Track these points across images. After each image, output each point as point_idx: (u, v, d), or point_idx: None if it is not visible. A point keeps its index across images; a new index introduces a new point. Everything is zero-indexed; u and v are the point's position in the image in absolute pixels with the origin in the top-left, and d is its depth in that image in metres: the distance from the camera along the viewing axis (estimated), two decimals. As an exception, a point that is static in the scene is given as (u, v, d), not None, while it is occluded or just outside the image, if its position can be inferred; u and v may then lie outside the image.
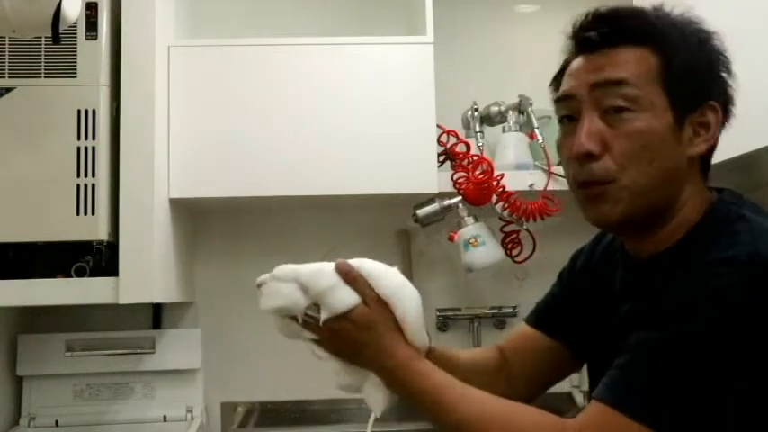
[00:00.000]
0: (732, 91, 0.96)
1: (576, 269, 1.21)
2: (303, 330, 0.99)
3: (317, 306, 0.94)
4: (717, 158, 1.59)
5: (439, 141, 2.03)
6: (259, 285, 1.04)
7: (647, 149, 0.89)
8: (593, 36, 0.96)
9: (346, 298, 0.93)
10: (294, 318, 1.00)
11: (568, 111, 1.00)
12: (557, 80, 1.11)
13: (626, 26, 0.93)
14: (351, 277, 0.97)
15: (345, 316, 0.95)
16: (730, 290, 0.76)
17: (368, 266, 0.99)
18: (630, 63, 0.91)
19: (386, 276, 0.99)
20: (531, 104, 2.13)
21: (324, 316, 0.92)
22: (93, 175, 1.70)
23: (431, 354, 1.05)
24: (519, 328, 1.26)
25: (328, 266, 0.97)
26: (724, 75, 0.95)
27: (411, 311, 0.94)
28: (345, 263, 0.98)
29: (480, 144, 2.09)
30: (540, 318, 1.22)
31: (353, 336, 0.95)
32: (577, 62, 1.03)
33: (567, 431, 0.86)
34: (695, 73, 0.92)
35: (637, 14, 0.96)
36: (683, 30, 0.96)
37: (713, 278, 0.78)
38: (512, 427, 0.87)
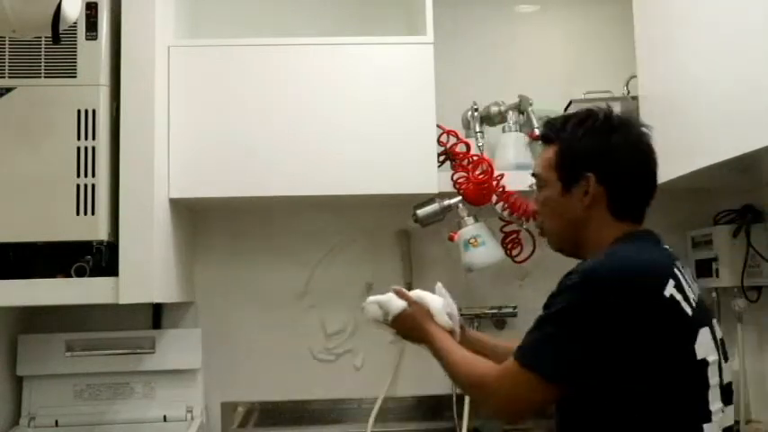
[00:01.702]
0: (613, 159, 1.28)
1: None
2: (385, 327, 1.54)
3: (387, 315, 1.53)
4: (717, 158, 1.61)
5: (439, 141, 2.03)
6: (363, 308, 1.56)
7: (549, 209, 1.37)
8: (540, 138, 1.42)
9: (398, 305, 1.51)
10: (379, 322, 1.55)
11: None
12: None
13: (548, 132, 1.37)
14: (401, 293, 1.53)
15: (398, 316, 1.50)
16: (573, 287, 1.18)
17: (414, 292, 1.55)
18: (543, 159, 1.36)
19: (418, 292, 1.55)
20: (531, 104, 2.13)
21: (389, 317, 1.52)
22: (93, 175, 1.70)
23: (463, 334, 1.53)
24: None
25: (391, 293, 1.54)
26: (603, 153, 1.29)
27: (434, 306, 1.49)
28: (399, 288, 1.55)
29: (480, 144, 2.09)
30: None
31: (405, 325, 1.51)
32: None
33: (492, 374, 1.25)
34: (575, 157, 1.30)
35: (557, 121, 1.36)
36: (577, 126, 1.31)
37: (569, 280, 1.20)
38: (470, 367, 1.31)
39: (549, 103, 2.19)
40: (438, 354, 1.40)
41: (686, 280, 1.21)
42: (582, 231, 1.31)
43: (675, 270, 1.20)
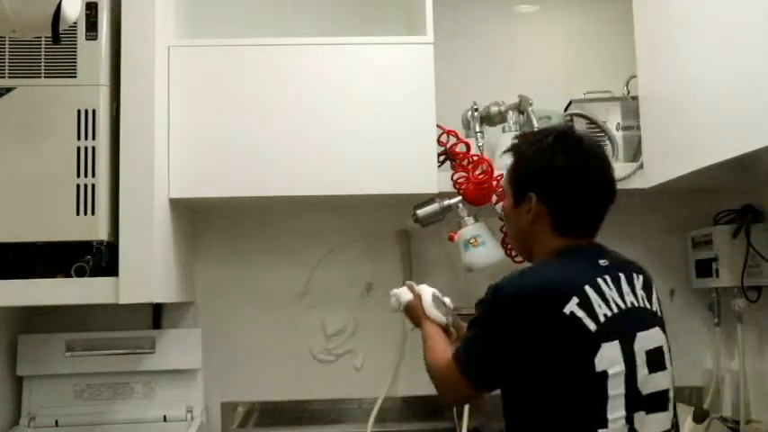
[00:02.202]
0: (555, 181, 1.37)
1: None
2: (400, 313, 1.71)
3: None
4: (717, 158, 1.61)
5: (439, 141, 2.03)
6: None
7: (506, 218, 1.53)
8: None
9: (406, 297, 1.67)
10: (398, 311, 1.70)
11: None
12: None
13: (512, 146, 1.48)
14: (411, 287, 1.68)
15: (405, 306, 1.67)
16: (485, 302, 1.33)
17: (419, 286, 1.69)
18: (506, 171, 1.49)
19: (423, 287, 1.67)
20: (531, 104, 2.13)
21: (401, 307, 1.69)
22: (93, 175, 1.70)
23: (460, 330, 1.60)
24: None
25: (404, 287, 1.70)
26: (546, 174, 1.38)
27: (425, 300, 1.63)
28: (411, 283, 1.70)
29: (480, 144, 2.09)
30: None
31: (411, 313, 1.65)
32: None
33: (442, 365, 1.38)
34: (522, 175, 1.42)
35: (523, 137, 1.53)
36: (529, 146, 1.42)
37: (486, 293, 1.34)
38: (434, 355, 1.44)
39: (549, 103, 2.19)
40: (423, 339, 1.56)
41: (604, 295, 1.28)
42: (530, 243, 1.43)
43: (587, 287, 1.27)
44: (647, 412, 1.26)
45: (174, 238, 1.95)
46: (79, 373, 2.08)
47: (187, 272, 2.16)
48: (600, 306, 1.26)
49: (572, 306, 1.24)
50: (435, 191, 1.96)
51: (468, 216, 1.99)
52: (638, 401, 1.25)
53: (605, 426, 1.22)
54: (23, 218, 1.68)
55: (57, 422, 2.05)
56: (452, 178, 2.01)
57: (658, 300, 1.40)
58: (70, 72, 1.72)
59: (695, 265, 2.21)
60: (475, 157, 2.02)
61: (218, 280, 2.25)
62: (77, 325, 2.13)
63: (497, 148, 2.14)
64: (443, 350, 1.43)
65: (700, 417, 1.88)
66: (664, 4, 1.88)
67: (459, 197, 1.99)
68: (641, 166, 2.03)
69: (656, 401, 1.28)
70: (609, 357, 1.23)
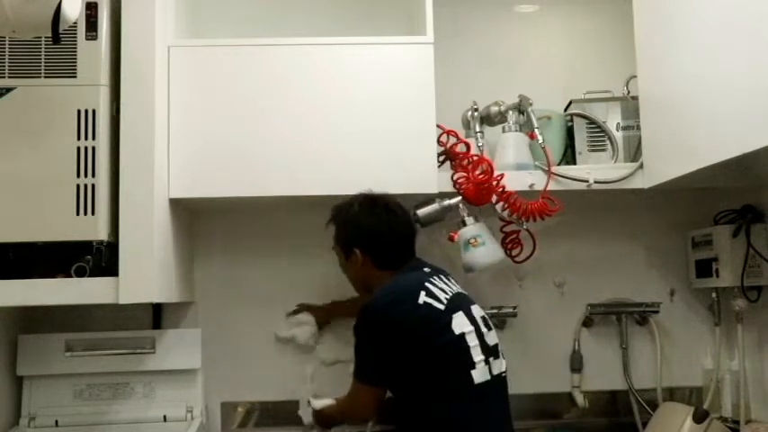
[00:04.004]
0: (365, 237, 1.84)
1: None
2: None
3: None
4: (717, 158, 1.61)
5: (439, 141, 2.03)
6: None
7: (344, 270, 1.93)
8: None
9: (317, 404, 1.94)
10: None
11: None
12: None
13: (331, 217, 1.91)
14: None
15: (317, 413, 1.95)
16: (359, 321, 1.73)
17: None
18: (333, 236, 1.92)
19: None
20: (531, 104, 2.13)
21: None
22: (93, 175, 1.70)
23: None
24: None
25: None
26: (360, 233, 1.84)
27: (314, 404, 1.90)
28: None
29: (480, 144, 2.09)
30: None
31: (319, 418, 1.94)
32: None
33: (345, 401, 1.79)
34: (343, 237, 1.89)
35: (336, 208, 1.90)
36: (343, 215, 1.87)
37: (358, 316, 1.73)
38: (338, 410, 1.83)
39: (549, 103, 2.19)
40: (331, 417, 1.86)
41: (439, 287, 1.74)
42: (367, 282, 1.86)
43: (427, 284, 1.73)
44: (495, 358, 1.74)
45: (173, 238, 1.95)
46: (79, 373, 2.08)
47: (187, 272, 2.16)
48: (440, 293, 1.72)
49: (423, 297, 1.70)
50: (435, 191, 1.96)
51: (468, 216, 1.99)
52: (488, 351, 1.72)
53: (474, 367, 1.67)
54: (23, 218, 1.68)
55: (57, 422, 2.05)
56: (452, 178, 2.01)
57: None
58: (70, 72, 1.72)
59: (695, 265, 2.21)
60: (475, 157, 2.02)
61: (218, 280, 2.25)
62: (77, 325, 2.13)
63: (497, 148, 2.15)
64: (340, 400, 1.82)
65: (700, 417, 1.88)
66: (664, 4, 1.88)
67: (459, 197, 1.99)
68: (641, 166, 2.03)
69: (495, 350, 1.76)
70: (460, 323, 1.70)
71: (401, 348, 1.68)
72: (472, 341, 1.70)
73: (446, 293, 1.74)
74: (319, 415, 1.86)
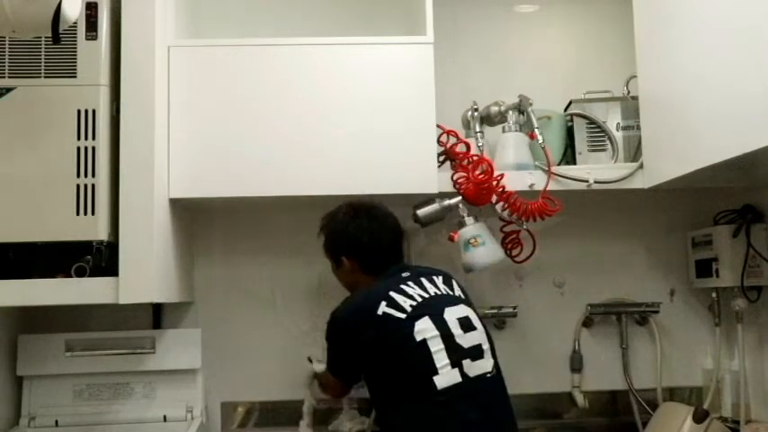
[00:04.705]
0: (353, 242, 1.89)
1: None
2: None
3: None
4: (717, 158, 1.61)
5: (439, 141, 2.03)
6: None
7: (336, 277, 1.98)
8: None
9: (319, 367, 2.06)
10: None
11: None
12: None
13: (320, 227, 1.96)
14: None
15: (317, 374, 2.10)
16: (328, 325, 1.83)
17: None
18: (323, 245, 1.98)
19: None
20: (531, 104, 2.13)
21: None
22: (93, 175, 1.70)
23: None
24: None
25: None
26: (346, 240, 1.90)
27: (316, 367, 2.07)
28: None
29: (480, 144, 2.09)
30: None
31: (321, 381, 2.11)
32: None
33: (329, 382, 1.94)
34: (331, 245, 1.94)
35: (325, 218, 1.95)
36: (330, 224, 1.93)
37: (328, 319, 1.84)
38: (325, 378, 1.97)
39: (549, 103, 2.19)
40: (324, 379, 1.98)
41: (408, 294, 1.75)
42: (359, 284, 1.89)
43: (392, 293, 1.75)
44: (472, 360, 1.70)
45: (173, 238, 1.95)
46: (79, 373, 2.08)
47: (187, 272, 2.16)
48: (405, 301, 1.73)
49: (383, 308, 1.72)
50: (435, 191, 1.96)
51: (468, 216, 1.99)
52: (462, 353, 1.70)
53: (437, 373, 1.66)
54: (23, 218, 1.68)
55: (57, 422, 2.05)
56: (452, 178, 2.01)
57: (461, 287, 1.87)
58: (70, 72, 1.72)
59: (695, 265, 2.21)
60: (475, 157, 2.02)
61: (218, 280, 2.25)
62: (77, 325, 2.13)
63: (497, 148, 2.15)
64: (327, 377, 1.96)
65: (700, 417, 1.88)
66: (664, 4, 1.88)
67: (460, 197, 1.99)
68: (641, 166, 2.03)
69: (475, 352, 1.72)
70: (422, 329, 1.70)
71: (362, 356, 1.76)
72: (436, 346, 1.68)
73: (414, 300, 1.74)
74: (317, 376, 2.01)
